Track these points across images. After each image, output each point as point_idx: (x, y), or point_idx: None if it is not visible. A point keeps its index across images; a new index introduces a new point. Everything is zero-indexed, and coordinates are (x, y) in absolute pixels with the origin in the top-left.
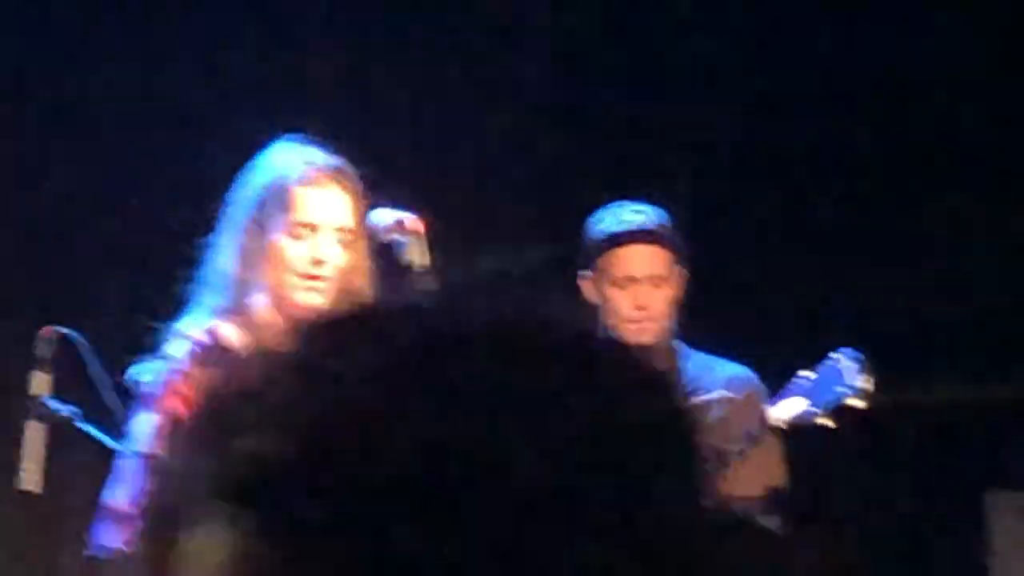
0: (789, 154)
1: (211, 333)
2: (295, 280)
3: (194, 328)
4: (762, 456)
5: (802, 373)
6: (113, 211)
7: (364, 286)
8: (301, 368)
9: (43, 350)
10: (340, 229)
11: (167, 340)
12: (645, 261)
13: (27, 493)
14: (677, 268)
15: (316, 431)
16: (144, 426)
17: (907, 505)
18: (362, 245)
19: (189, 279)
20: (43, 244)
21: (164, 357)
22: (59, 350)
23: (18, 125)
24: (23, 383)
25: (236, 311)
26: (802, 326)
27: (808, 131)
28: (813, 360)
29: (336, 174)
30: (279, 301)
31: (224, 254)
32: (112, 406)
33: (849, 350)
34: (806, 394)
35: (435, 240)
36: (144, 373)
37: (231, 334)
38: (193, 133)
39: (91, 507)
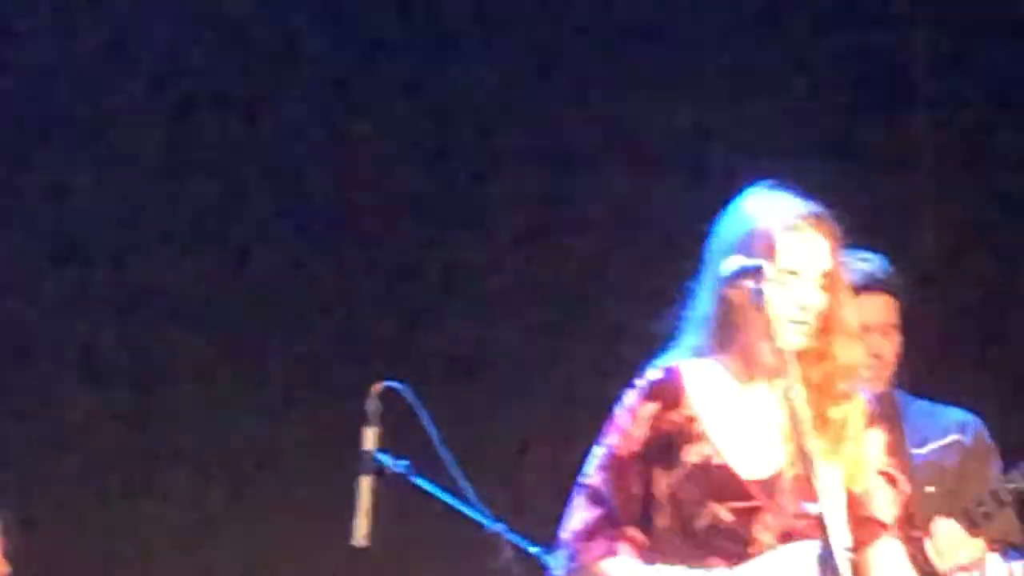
0: None
1: (669, 371)
2: (781, 324)
3: (658, 367)
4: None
5: None
6: None
7: (844, 326)
8: None
9: (373, 405)
10: (824, 274)
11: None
12: (879, 311)
13: (358, 548)
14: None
15: None
16: (592, 457)
17: None
18: (841, 286)
19: (675, 319)
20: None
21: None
22: (389, 405)
23: None
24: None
25: (714, 351)
26: None
27: None
28: None
29: (816, 219)
30: (764, 343)
31: (705, 298)
32: (444, 457)
33: None
34: None
35: None
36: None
37: (692, 373)
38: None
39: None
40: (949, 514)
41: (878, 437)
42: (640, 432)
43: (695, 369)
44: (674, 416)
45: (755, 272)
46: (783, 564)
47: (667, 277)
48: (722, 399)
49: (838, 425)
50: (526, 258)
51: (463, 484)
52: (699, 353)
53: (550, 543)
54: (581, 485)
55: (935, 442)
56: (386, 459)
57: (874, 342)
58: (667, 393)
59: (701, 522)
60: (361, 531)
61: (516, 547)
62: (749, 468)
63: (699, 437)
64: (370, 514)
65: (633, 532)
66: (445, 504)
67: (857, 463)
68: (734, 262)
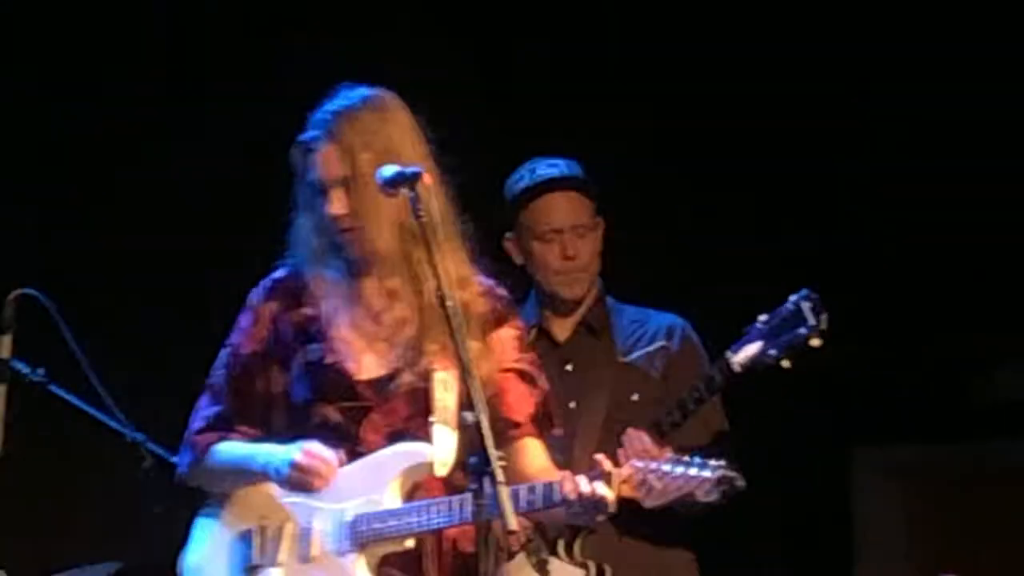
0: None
1: (292, 270)
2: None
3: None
4: (712, 402)
5: (760, 317)
6: None
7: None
8: None
9: (8, 312)
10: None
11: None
12: (566, 210)
13: None
14: (598, 218)
15: None
16: (218, 357)
17: (774, 459)
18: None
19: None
20: None
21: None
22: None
23: None
24: None
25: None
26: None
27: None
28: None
29: None
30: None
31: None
32: (84, 367)
33: (804, 291)
34: (763, 336)
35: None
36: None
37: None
38: None
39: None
40: (638, 426)
41: (507, 333)
42: (261, 331)
43: (320, 268)
44: (294, 316)
45: (412, 178)
46: (388, 463)
47: None
48: (339, 295)
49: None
50: None
51: (103, 393)
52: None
53: None
54: (206, 384)
55: (641, 349)
56: (22, 367)
57: (567, 243)
58: (289, 292)
59: (312, 422)
60: None
61: (157, 456)
62: (361, 368)
63: (316, 337)
64: (4, 422)
65: (245, 428)
66: (85, 413)
67: (481, 358)
68: (390, 168)
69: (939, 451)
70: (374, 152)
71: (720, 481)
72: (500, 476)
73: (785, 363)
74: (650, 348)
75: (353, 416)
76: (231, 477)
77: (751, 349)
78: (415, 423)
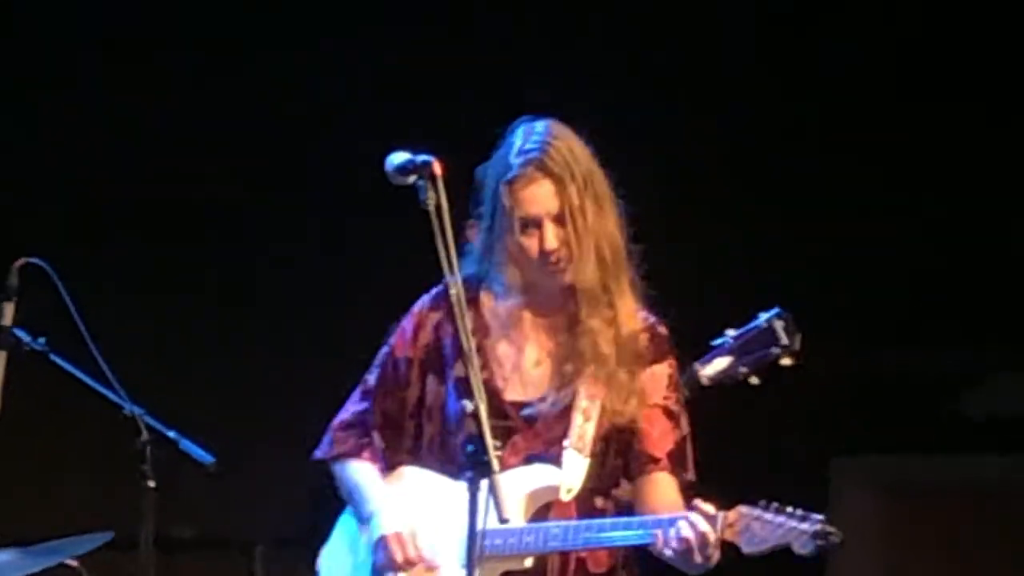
0: None
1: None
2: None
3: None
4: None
5: (729, 331)
6: None
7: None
8: None
9: (13, 280)
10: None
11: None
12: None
13: None
14: None
15: None
16: (378, 355)
17: (752, 468)
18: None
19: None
20: None
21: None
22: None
23: None
24: None
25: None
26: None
27: None
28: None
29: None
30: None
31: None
32: (84, 335)
33: (777, 310)
34: (733, 352)
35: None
36: None
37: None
38: None
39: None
40: None
41: (661, 371)
42: (423, 338)
43: (485, 285)
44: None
45: (422, 167)
46: (516, 483)
47: None
48: (502, 318)
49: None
50: None
51: (102, 365)
52: (483, 273)
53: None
54: (361, 379)
55: None
56: (23, 335)
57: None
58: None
59: (459, 437)
60: None
61: (153, 430)
62: (512, 389)
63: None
64: (2, 389)
65: (386, 434)
66: (83, 383)
67: (631, 392)
68: (400, 155)
69: (915, 462)
70: (579, 183)
71: (817, 535)
72: (496, 465)
73: (754, 380)
74: None
75: (498, 436)
76: (348, 499)
77: (720, 364)
78: (554, 449)
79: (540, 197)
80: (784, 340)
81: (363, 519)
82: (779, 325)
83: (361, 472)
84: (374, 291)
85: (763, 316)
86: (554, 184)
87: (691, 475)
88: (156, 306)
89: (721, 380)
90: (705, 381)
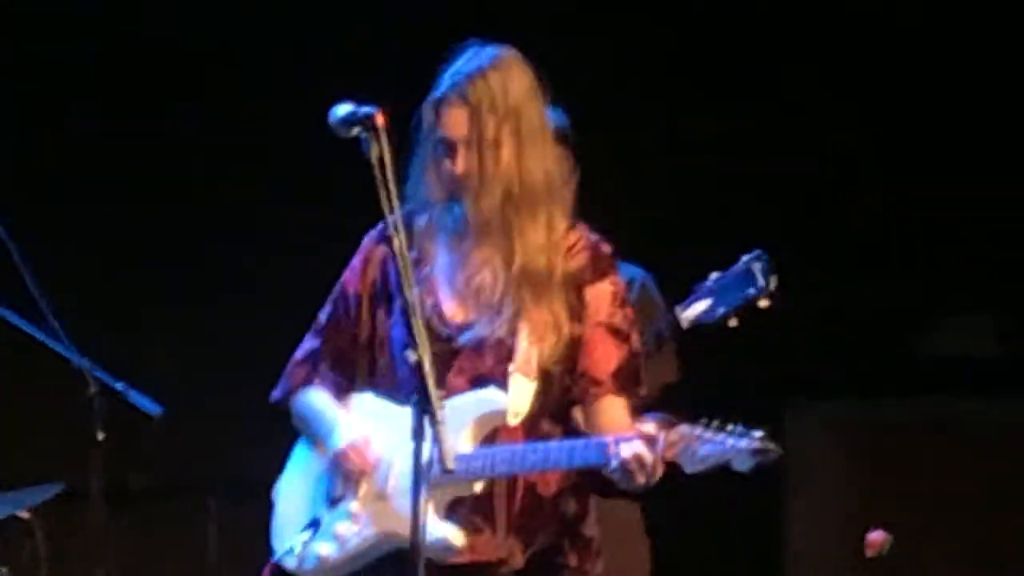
0: None
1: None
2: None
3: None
4: (663, 355)
5: (713, 275)
6: None
7: None
8: None
9: None
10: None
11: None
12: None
13: None
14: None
15: None
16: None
17: (707, 410)
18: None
19: None
20: None
21: None
22: None
23: None
24: None
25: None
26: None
27: None
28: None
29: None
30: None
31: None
32: (34, 292)
33: (757, 251)
34: (713, 295)
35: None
36: None
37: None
38: None
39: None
40: None
41: (604, 289)
42: (371, 272)
43: (431, 218)
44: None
45: (365, 118)
46: (463, 410)
47: None
48: (444, 248)
49: (542, 274)
50: None
51: (50, 318)
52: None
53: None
54: (314, 316)
55: None
56: None
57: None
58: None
59: (407, 365)
60: None
61: (101, 381)
62: (455, 314)
63: (417, 282)
64: None
65: (337, 371)
66: (32, 337)
67: (572, 312)
68: (344, 107)
69: (871, 405)
70: (499, 116)
71: (756, 452)
72: (439, 416)
73: (732, 322)
74: None
75: (442, 360)
76: (305, 429)
77: (699, 306)
78: (498, 371)
79: (455, 121)
80: (761, 281)
81: (318, 440)
82: (757, 267)
83: (314, 398)
84: (329, 236)
85: (744, 258)
86: (470, 112)
87: (644, 391)
88: (108, 259)
89: (701, 323)
90: (685, 324)
